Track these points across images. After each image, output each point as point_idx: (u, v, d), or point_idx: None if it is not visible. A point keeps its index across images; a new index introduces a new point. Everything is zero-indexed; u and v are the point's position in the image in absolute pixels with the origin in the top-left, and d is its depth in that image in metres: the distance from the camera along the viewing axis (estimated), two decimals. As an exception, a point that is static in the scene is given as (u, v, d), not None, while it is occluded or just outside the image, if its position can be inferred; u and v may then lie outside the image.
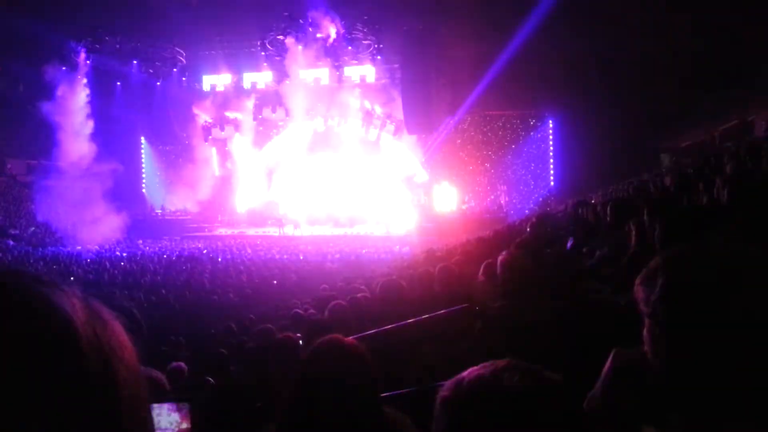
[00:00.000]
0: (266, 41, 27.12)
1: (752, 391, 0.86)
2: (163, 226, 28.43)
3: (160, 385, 2.77)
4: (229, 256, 20.10)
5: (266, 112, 29.33)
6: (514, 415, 0.84)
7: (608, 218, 5.99)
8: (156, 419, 2.16)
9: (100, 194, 24.96)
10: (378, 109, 28.31)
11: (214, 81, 29.78)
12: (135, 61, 28.08)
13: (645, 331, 1.00)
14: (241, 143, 30.18)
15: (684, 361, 0.92)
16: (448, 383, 0.93)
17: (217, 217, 29.85)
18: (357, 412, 1.61)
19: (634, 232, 3.58)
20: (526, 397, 0.86)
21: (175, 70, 28.66)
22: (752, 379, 0.86)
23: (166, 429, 2.14)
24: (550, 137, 26.09)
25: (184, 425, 2.19)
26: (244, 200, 29.70)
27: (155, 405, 2.20)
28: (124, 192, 28.77)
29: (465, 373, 0.93)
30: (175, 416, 2.20)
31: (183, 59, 28.72)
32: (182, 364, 4.54)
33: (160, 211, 30.52)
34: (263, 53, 27.68)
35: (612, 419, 1.23)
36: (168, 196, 30.72)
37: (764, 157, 6.67)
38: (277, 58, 27.54)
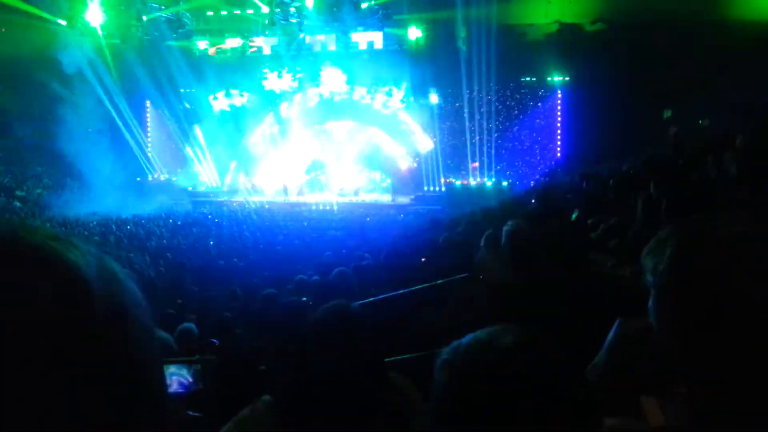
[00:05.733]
0: (273, 4, 26.69)
1: (757, 364, 0.87)
2: (168, 191, 28.47)
3: (167, 346, 2.81)
4: (234, 222, 20.20)
5: (272, 78, 29.01)
6: (508, 373, 0.87)
7: (613, 191, 5.97)
8: (169, 379, 2.20)
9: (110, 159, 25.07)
10: (385, 75, 27.94)
11: (220, 44, 29.42)
12: (140, 23, 27.70)
13: (651, 302, 1.00)
14: (247, 108, 29.95)
15: (689, 333, 0.92)
16: (448, 347, 0.96)
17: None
18: (362, 376, 1.63)
19: (640, 205, 3.58)
20: (519, 354, 0.88)
21: (181, 31, 28.27)
22: (757, 352, 0.87)
23: (179, 389, 2.18)
24: (558, 108, 25.77)
25: (197, 385, 2.23)
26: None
27: (168, 366, 2.24)
28: (131, 156, 28.77)
29: (464, 338, 0.96)
30: (188, 376, 2.24)
31: (188, 21, 28.33)
32: (192, 325, 4.57)
33: (166, 176, 30.49)
34: (270, 17, 27.25)
35: (614, 388, 1.25)
36: (175, 167, 30.66)
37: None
38: (284, 22, 27.13)
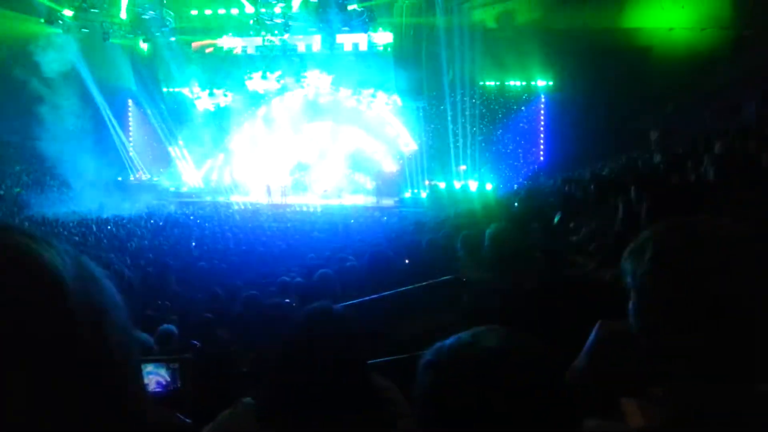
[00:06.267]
0: (258, 4, 26.58)
1: (735, 366, 0.88)
2: (150, 191, 28.18)
3: (147, 347, 2.78)
4: (216, 223, 20.05)
5: (256, 78, 28.88)
6: (492, 374, 0.87)
7: (593, 195, 6.04)
8: (147, 378, 2.18)
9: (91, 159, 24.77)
10: (370, 77, 27.94)
11: (204, 44, 29.23)
12: (122, 21, 27.40)
13: (630, 304, 1.01)
14: (231, 108, 29.78)
15: (669, 334, 0.94)
16: (431, 348, 0.96)
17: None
18: (345, 378, 1.63)
19: (621, 208, 3.62)
20: (502, 355, 0.88)
21: (164, 30, 28.02)
22: (736, 353, 0.88)
23: (157, 388, 2.17)
24: (542, 112, 25.98)
25: (175, 384, 2.21)
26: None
27: (146, 365, 2.22)
28: (112, 156, 28.41)
29: (448, 340, 0.96)
30: (166, 376, 2.23)
31: (172, 20, 28.10)
32: (172, 327, 4.53)
33: (148, 176, 30.20)
34: (255, 17, 27.12)
35: (594, 390, 1.26)
36: (157, 167, 30.38)
37: (752, 138, 6.72)
38: (269, 23, 27.02)
